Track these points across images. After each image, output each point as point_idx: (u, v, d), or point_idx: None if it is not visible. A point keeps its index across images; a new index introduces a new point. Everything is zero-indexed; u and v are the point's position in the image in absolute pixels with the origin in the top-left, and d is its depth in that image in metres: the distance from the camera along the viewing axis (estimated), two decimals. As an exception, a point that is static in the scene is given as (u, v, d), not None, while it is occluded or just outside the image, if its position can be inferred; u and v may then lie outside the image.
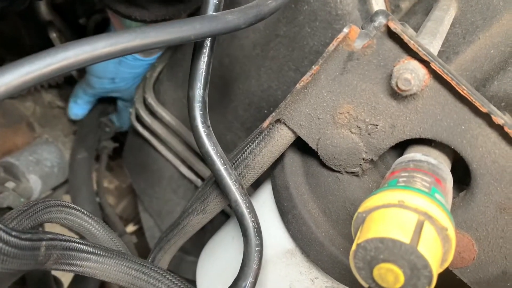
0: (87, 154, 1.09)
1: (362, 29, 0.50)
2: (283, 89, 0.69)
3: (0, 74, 0.29)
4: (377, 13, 0.50)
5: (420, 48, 0.35)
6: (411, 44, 0.35)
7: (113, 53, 0.33)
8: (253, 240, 0.45)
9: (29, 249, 0.37)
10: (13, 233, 0.36)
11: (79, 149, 1.12)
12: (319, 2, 0.61)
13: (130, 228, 1.40)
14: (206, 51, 0.44)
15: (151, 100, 0.85)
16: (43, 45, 1.12)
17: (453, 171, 0.42)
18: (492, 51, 0.54)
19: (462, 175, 0.42)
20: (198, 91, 0.44)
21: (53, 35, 1.07)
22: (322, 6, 0.61)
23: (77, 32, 1.13)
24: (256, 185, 0.61)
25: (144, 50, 0.35)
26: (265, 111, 0.73)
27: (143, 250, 1.14)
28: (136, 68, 0.89)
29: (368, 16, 0.60)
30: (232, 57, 0.72)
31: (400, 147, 0.44)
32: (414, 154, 0.41)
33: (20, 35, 1.14)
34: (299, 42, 0.65)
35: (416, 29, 0.53)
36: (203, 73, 0.44)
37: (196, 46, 0.45)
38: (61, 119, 1.18)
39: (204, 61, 0.44)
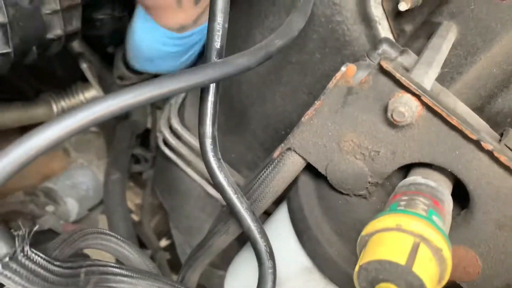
0: (120, 175, 1.14)
1: (366, 56, 0.54)
2: (297, 112, 0.73)
3: (42, 130, 0.34)
4: (380, 41, 0.54)
5: (411, 84, 0.38)
6: (403, 80, 0.39)
7: (135, 104, 0.37)
8: (266, 263, 0.49)
9: (71, 276, 0.42)
10: (56, 262, 0.41)
11: (112, 170, 1.17)
12: (327, 30, 0.65)
13: (163, 242, 1.45)
14: (212, 91, 0.48)
15: (177, 125, 0.90)
16: (75, 75, 1.20)
17: (456, 190, 0.45)
18: (494, 70, 0.56)
19: (465, 194, 0.45)
20: (208, 128, 0.48)
21: (84, 66, 1.15)
22: (331, 33, 0.65)
23: (106, 60, 1.20)
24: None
25: (164, 98, 0.40)
26: (282, 132, 0.77)
27: (176, 264, 1.19)
28: (171, 47, 0.80)
29: (375, 40, 0.64)
30: (249, 84, 0.76)
31: (405, 168, 0.48)
32: (415, 177, 0.44)
33: (53, 67, 1.22)
34: (311, 68, 0.68)
35: (419, 52, 0.56)
36: (211, 111, 0.48)
37: (203, 87, 0.49)
38: (94, 143, 1.25)
39: (211, 100, 0.48)
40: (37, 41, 0.60)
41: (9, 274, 0.35)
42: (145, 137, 1.28)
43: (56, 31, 0.62)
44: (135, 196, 1.40)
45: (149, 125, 1.27)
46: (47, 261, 0.39)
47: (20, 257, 0.36)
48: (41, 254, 0.38)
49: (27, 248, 0.37)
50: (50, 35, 0.61)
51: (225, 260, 1.03)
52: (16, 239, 0.36)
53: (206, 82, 0.42)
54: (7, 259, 0.35)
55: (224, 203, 0.94)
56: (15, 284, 0.36)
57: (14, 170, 0.32)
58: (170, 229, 1.16)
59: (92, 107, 0.36)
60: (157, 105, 1.25)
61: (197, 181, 0.94)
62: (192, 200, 0.99)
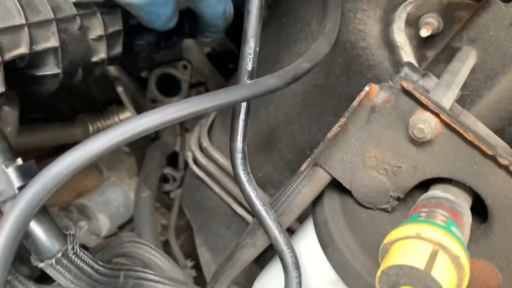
0: (150, 193, 1.18)
1: (390, 79, 0.57)
2: (323, 132, 0.76)
3: (95, 142, 0.38)
4: (402, 65, 0.57)
5: (430, 102, 0.41)
6: (422, 99, 0.42)
7: (178, 118, 0.41)
8: (292, 273, 0.52)
9: (112, 277, 0.46)
10: (100, 262, 0.44)
11: (143, 188, 1.21)
12: (352, 55, 0.68)
13: (188, 263, 1.48)
14: (243, 110, 0.52)
15: (206, 144, 0.94)
16: (111, 97, 1.26)
17: (476, 204, 0.47)
18: (514, 93, 0.59)
19: (484, 208, 0.47)
20: (238, 143, 0.52)
21: (120, 89, 1.21)
22: (355, 58, 0.68)
23: (140, 84, 1.27)
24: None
25: (202, 114, 0.44)
26: (308, 152, 0.80)
27: (201, 283, 1.21)
28: None
29: (398, 65, 0.67)
30: (277, 105, 0.80)
31: (426, 184, 0.50)
32: (435, 191, 0.46)
33: (90, 89, 1.28)
34: (336, 90, 0.72)
35: (440, 76, 0.59)
36: (242, 129, 0.52)
37: (235, 106, 0.53)
38: (125, 162, 1.30)
39: (242, 119, 0.52)
40: (83, 64, 0.65)
41: (60, 269, 0.39)
42: (173, 158, 1.33)
43: (101, 55, 0.67)
44: (161, 217, 1.44)
45: (177, 148, 1.32)
46: (93, 260, 0.43)
47: (70, 254, 0.40)
48: (88, 253, 0.42)
49: (76, 246, 0.41)
50: (95, 59, 0.66)
51: (250, 280, 1.05)
52: (68, 237, 0.40)
53: (239, 100, 0.46)
54: (59, 255, 0.39)
55: (249, 221, 0.97)
56: (65, 279, 0.40)
57: (71, 173, 0.36)
58: (196, 248, 1.19)
59: (139, 120, 0.40)
60: (186, 127, 1.31)
61: (224, 199, 0.98)
62: (219, 217, 1.02)
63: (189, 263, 1.48)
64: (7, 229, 0.35)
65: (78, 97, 1.26)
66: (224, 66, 1.29)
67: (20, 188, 0.40)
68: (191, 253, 1.49)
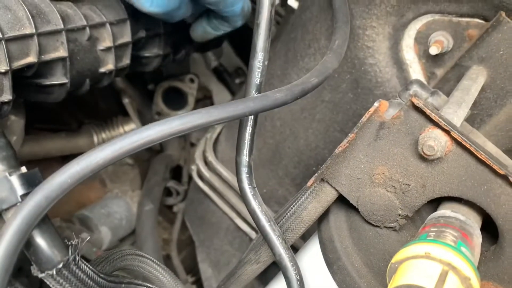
0: (153, 206, 1.18)
1: (398, 96, 0.57)
2: (329, 148, 0.76)
3: (101, 150, 0.38)
4: (411, 82, 0.56)
5: (440, 119, 0.41)
6: (433, 116, 0.41)
7: (185, 130, 0.41)
8: (296, 291, 0.50)
9: (113, 289, 0.45)
10: (101, 275, 0.44)
11: (146, 201, 1.21)
12: (360, 71, 0.68)
13: (188, 279, 1.46)
14: (250, 123, 0.52)
15: (211, 158, 0.94)
16: (117, 109, 1.26)
17: (486, 224, 0.46)
18: (524, 113, 0.58)
19: (494, 229, 0.46)
20: (244, 157, 0.51)
21: (126, 101, 1.21)
22: (363, 75, 0.68)
23: (146, 97, 1.27)
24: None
25: (209, 126, 0.43)
26: (313, 168, 0.80)
27: (200, 300, 1.19)
28: None
29: (406, 82, 0.67)
30: (283, 120, 0.80)
31: (435, 202, 0.49)
32: (445, 210, 0.45)
33: (96, 101, 1.29)
34: (343, 107, 0.72)
35: (449, 95, 0.59)
36: (248, 142, 0.52)
37: (242, 119, 0.53)
38: (129, 175, 1.30)
39: (248, 132, 0.52)
40: (91, 74, 0.65)
41: (61, 280, 0.38)
42: (177, 172, 1.33)
43: (108, 66, 0.67)
44: (163, 231, 1.43)
45: (181, 162, 1.32)
46: (94, 272, 0.42)
47: (72, 265, 0.39)
48: (89, 265, 0.41)
49: (78, 257, 0.40)
50: (102, 69, 0.67)
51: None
52: (70, 248, 0.39)
53: (247, 113, 0.46)
54: (61, 265, 0.38)
55: (252, 237, 0.96)
56: (65, 291, 0.39)
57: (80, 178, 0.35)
58: (197, 264, 1.18)
59: (145, 131, 0.40)
60: (191, 141, 1.30)
61: (227, 214, 0.97)
62: (222, 233, 1.01)
63: (190, 279, 1.47)
64: (8, 237, 0.34)
65: (84, 108, 1.26)
66: (230, 81, 1.30)
67: (23, 196, 0.40)
68: (192, 269, 1.47)
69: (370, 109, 0.45)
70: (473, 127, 0.58)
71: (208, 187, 0.97)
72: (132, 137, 0.39)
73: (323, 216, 0.57)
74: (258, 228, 0.53)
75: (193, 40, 0.79)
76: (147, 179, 1.23)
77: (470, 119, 0.60)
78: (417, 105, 0.42)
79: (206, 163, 0.96)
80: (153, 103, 1.23)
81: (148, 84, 1.26)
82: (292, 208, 0.54)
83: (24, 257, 0.44)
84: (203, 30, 0.74)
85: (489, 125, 0.60)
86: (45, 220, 0.40)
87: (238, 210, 0.95)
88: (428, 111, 0.41)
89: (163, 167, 1.25)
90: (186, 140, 1.32)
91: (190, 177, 1.18)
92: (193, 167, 1.00)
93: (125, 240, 1.27)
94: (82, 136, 1.16)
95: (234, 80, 1.31)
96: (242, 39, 1.19)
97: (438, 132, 0.42)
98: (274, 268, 0.91)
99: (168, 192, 1.29)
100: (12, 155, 0.42)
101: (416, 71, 0.66)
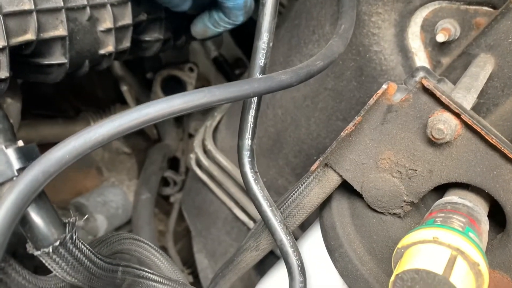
0: (150, 195, 1.17)
1: (404, 83, 0.56)
2: (331, 137, 0.74)
3: (100, 127, 0.36)
4: (417, 69, 0.55)
5: (451, 102, 0.40)
6: (443, 98, 0.40)
7: (186, 109, 0.40)
8: (297, 277, 0.49)
9: (110, 271, 0.44)
10: (99, 256, 0.42)
11: (142, 191, 1.20)
12: (365, 59, 0.67)
13: (184, 270, 1.45)
14: (254, 106, 0.51)
15: (211, 146, 0.92)
16: (115, 97, 1.25)
17: (493, 213, 0.45)
18: (531, 103, 0.57)
19: (501, 217, 0.45)
20: (247, 141, 0.50)
21: (124, 88, 1.20)
22: (368, 62, 0.67)
23: (144, 85, 1.25)
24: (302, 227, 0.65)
25: (212, 106, 0.42)
26: (314, 158, 0.78)
27: (198, 290, 1.18)
28: None
29: (411, 71, 0.66)
30: (285, 109, 0.79)
31: (441, 190, 0.48)
32: (452, 197, 0.44)
33: (94, 89, 1.27)
34: (347, 95, 0.70)
35: (456, 83, 0.58)
36: (251, 125, 0.50)
37: (246, 102, 0.52)
38: (126, 164, 1.28)
39: (252, 115, 0.50)
40: (91, 56, 0.64)
41: (57, 258, 0.37)
42: (174, 163, 1.31)
43: (108, 48, 0.66)
44: (159, 222, 1.42)
45: (178, 154, 1.31)
46: (91, 252, 0.41)
47: (69, 243, 0.38)
48: (86, 245, 0.40)
49: (75, 236, 0.39)
50: (102, 51, 0.65)
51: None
52: (67, 226, 0.38)
53: (251, 94, 0.45)
54: (57, 243, 0.37)
55: (250, 227, 0.95)
56: (61, 270, 0.38)
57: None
58: (192, 256, 1.17)
59: (145, 108, 0.38)
60: (189, 132, 1.29)
61: (226, 203, 0.95)
62: (220, 222, 1.00)
63: (186, 271, 1.46)
64: (3, 212, 0.33)
65: (82, 95, 1.25)
66: (230, 72, 1.28)
67: (20, 170, 0.38)
68: (187, 261, 1.46)
69: (378, 91, 0.44)
70: (479, 116, 0.57)
71: (206, 176, 0.96)
72: (131, 114, 0.38)
73: (325, 203, 0.56)
74: (259, 213, 0.52)
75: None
76: (144, 168, 1.22)
77: (476, 108, 0.59)
78: (427, 86, 0.41)
79: (205, 151, 0.95)
80: (152, 91, 1.21)
81: (146, 72, 1.25)
82: (294, 194, 0.53)
83: (19, 241, 0.43)
84: (204, 26, 0.74)
85: (495, 115, 0.59)
86: (41, 196, 0.38)
87: (237, 200, 0.93)
88: (438, 93, 0.40)
89: (160, 156, 1.24)
90: (184, 130, 1.31)
91: (188, 167, 1.17)
92: (192, 156, 0.99)
93: (121, 229, 1.26)
94: (79, 123, 1.15)
95: (233, 71, 1.29)
96: (243, 29, 1.18)
97: (448, 115, 0.40)
98: (272, 258, 0.91)
99: (165, 182, 1.28)
100: (9, 128, 0.40)
101: (421, 59, 0.65)
